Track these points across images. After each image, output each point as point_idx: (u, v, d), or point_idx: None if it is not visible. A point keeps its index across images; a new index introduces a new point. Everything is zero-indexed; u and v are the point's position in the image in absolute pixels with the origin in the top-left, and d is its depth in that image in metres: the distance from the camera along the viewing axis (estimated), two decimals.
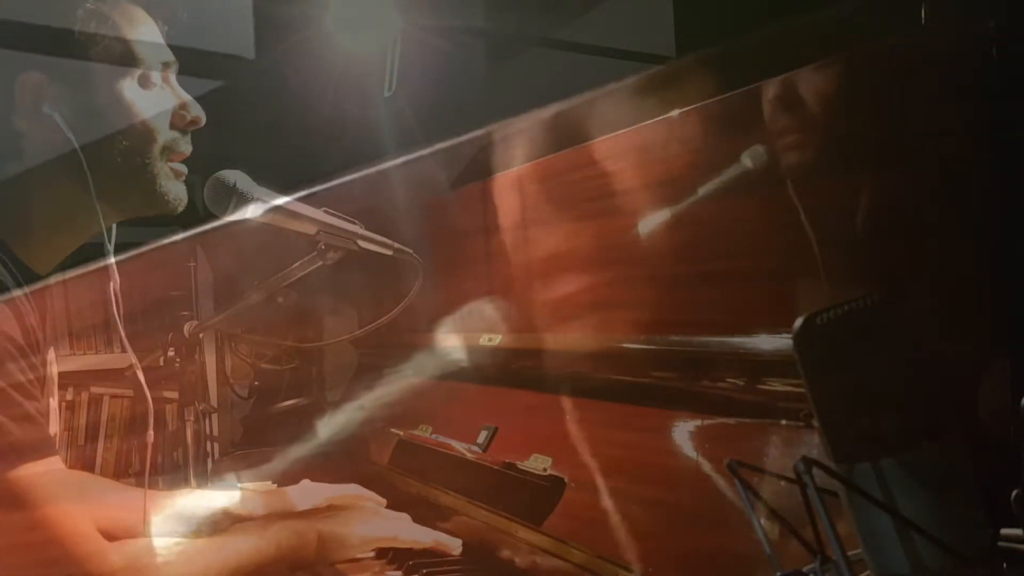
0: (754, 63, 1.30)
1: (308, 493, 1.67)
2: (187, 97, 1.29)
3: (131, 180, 1.24)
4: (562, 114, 2.02)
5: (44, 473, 1.15)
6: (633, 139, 1.45)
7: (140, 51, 1.24)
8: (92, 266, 1.29)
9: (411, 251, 1.69)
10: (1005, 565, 0.76)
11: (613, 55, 2.00)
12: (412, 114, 2.18)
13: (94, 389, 3.01)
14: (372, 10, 2.06)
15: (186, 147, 1.29)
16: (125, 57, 1.23)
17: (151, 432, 1.38)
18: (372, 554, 1.59)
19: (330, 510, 1.54)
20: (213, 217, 1.52)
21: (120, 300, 1.33)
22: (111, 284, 1.30)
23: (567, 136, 1.69)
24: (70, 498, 1.18)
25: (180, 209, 1.29)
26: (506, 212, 1.80)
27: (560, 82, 1.90)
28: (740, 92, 1.23)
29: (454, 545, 1.50)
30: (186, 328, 1.93)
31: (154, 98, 1.26)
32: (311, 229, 1.61)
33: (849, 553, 0.70)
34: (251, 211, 1.51)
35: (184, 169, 1.29)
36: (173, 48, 1.30)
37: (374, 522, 1.50)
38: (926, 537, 0.70)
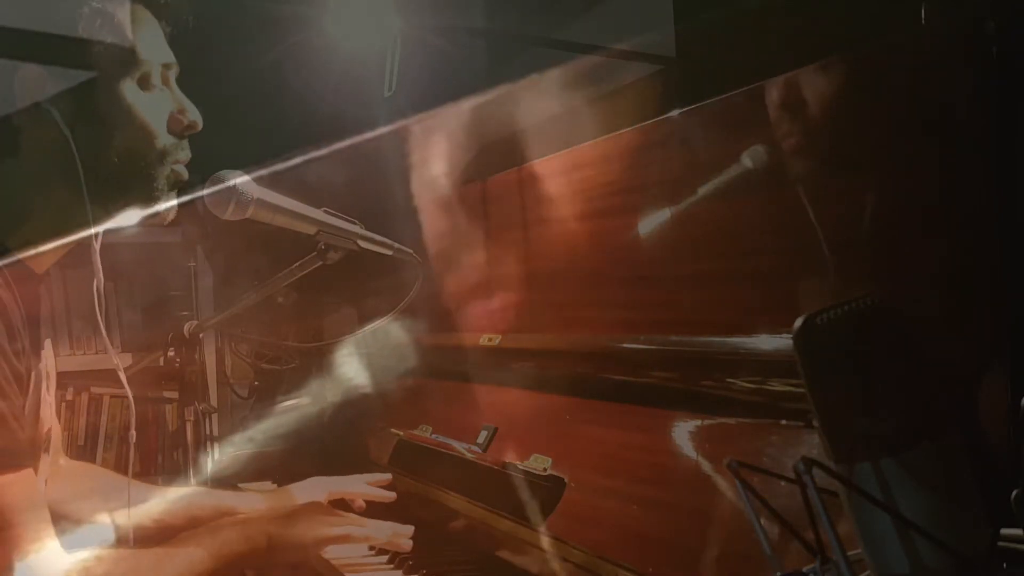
0: (754, 63, 1.30)
1: (313, 487, 1.67)
2: (186, 101, 1.27)
3: (128, 183, 1.22)
4: (562, 114, 2.02)
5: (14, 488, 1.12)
6: (633, 139, 1.45)
7: (141, 51, 1.22)
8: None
9: (411, 251, 1.69)
10: (1005, 565, 0.76)
11: (613, 55, 2.00)
12: (412, 114, 2.18)
13: (94, 389, 3.01)
14: (372, 10, 2.06)
15: (184, 154, 1.27)
16: (125, 57, 1.21)
17: (133, 432, 1.40)
18: (372, 553, 1.59)
19: (280, 512, 1.48)
20: (213, 216, 1.52)
21: (103, 299, 1.32)
22: (95, 283, 1.29)
23: (566, 136, 1.69)
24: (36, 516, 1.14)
25: (169, 219, 1.27)
26: (506, 212, 1.80)
27: (560, 82, 1.90)
28: (740, 92, 1.23)
29: (406, 532, 1.48)
30: (186, 328, 1.93)
31: (153, 100, 1.24)
32: (311, 229, 1.61)
33: (849, 553, 0.70)
34: (251, 211, 1.52)
35: (185, 173, 1.27)
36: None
37: (326, 521, 1.46)
38: (926, 537, 0.70)
